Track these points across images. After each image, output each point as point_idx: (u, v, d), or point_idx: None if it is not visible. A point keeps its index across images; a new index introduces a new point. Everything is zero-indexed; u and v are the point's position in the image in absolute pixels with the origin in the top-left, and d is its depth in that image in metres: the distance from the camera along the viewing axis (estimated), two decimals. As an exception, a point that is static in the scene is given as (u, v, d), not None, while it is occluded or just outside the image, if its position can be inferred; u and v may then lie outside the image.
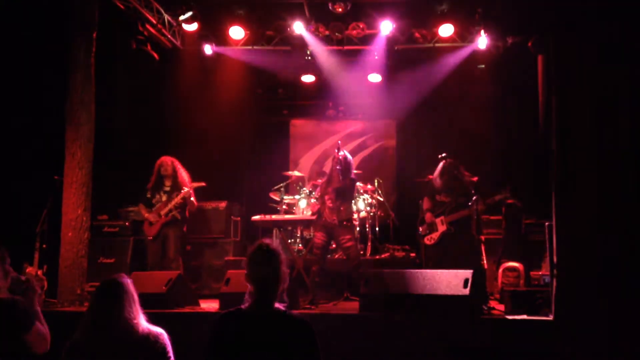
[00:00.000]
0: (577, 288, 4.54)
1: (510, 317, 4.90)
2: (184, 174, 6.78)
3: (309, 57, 8.85)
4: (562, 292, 4.60)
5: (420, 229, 6.20)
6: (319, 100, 10.06)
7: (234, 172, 9.74)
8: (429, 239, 6.08)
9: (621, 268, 4.47)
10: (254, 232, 7.98)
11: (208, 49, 8.82)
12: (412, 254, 7.67)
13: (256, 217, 6.72)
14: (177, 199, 6.58)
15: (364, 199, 8.02)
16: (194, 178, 6.83)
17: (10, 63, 7.07)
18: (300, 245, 7.86)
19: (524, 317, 4.84)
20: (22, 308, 3.15)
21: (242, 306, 2.75)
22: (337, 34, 8.39)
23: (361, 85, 9.47)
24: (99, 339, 2.74)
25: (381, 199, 8.43)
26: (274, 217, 6.89)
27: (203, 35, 8.67)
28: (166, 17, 8.14)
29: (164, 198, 6.70)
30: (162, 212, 6.61)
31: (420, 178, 7.60)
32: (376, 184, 8.43)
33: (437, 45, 8.60)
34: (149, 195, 6.76)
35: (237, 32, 8.54)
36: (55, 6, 6.81)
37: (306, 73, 9.29)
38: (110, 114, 7.61)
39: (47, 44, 7.06)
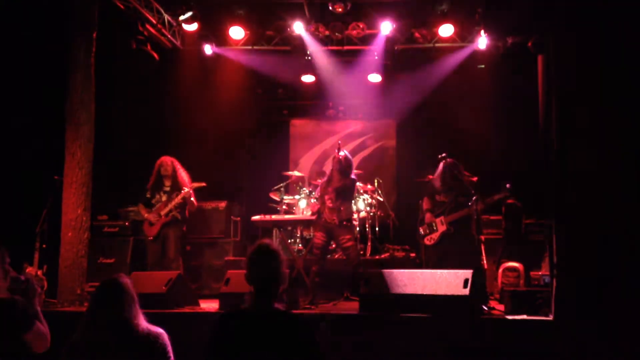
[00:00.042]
0: (577, 288, 4.54)
1: (510, 317, 4.90)
2: (183, 174, 6.78)
3: (309, 57, 8.85)
4: (562, 292, 4.60)
5: (420, 229, 6.19)
6: (319, 100, 10.06)
7: (234, 172, 9.74)
8: (429, 239, 6.07)
9: (621, 268, 4.47)
10: (254, 232, 7.97)
11: (208, 49, 8.83)
12: (412, 254, 7.67)
13: (256, 217, 6.72)
14: (177, 199, 6.57)
15: (364, 199, 8.02)
16: (194, 178, 6.83)
17: (10, 63, 7.07)
18: (300, 245, 7.86)
19: (524, 317, 4.84)
20: (21, 308, 3.15)
21: (242, 306, 2.75)
22: (337, 34, 8.40)
23: (361, 85, 9.47)
24: (99, 339, 2.74)
25: (381, 199, 8.43)
26: (274, 217, 6.89)
27: (203, 35, 8.67)
28: (166, 17, 8.14)
29: (164, 198, 6.70)
30: (162, 212, 6.60)
31: (420, 178, 7.59)
32: (376, 184, 8.44)
33: (437, 45, 8.60)
34: (148, 195, 6.76)
35: (237, 32, 8.54)
36: (55, 6, 6.81)
37: (306, 73, 9.30)
38: (110, 114, 7.62)
39: (47, 44, 7.07)
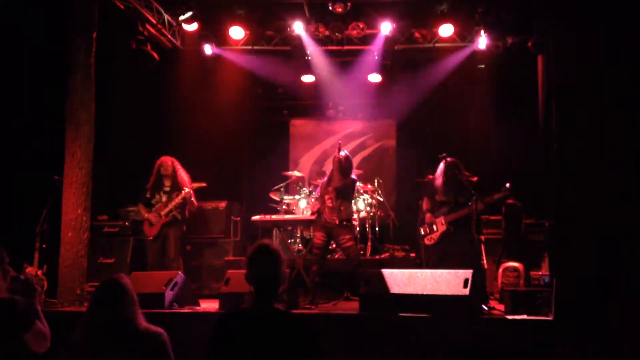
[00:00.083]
0: (577, 288, 4.54)
1: (510, 317, 4.90)
2: (183, 174, 6.77)
3: (309, 58, 8.85)
4: (562, 292, 4.60)
5: (421, 229, 6.19)
6: (319, 100, 10.05)
7: (234, 172, 9.75)
8: (429, 239, 6.07)
9: (621, 268, 4.47)
10: (254, 232, 7.97)
11: (208, 49, 8.83)
12: (412, 254, 7.67)
13: (256, 217, 6.72)
14: (177, 199, 6.57)
15: (364, 199, 8.02)
16: (194, 178, 6.82)
17: (10, 63, 7.07)
18: (300, 245, 7.87)
19: (524, 317, 4.84)
20: (21, 308, 3.15)
21: (242, 306, 2.75)
22: (337, 34, 8.40)
23: (361, 85, 9.47)
24: (98, 339, 2.74)
25: (381, 199, 8.43)
26: (274, 217, 6.89)
27: (203, 35, 8.67)
28: (166, 17, 8.14)
29: (164, 198, 6.70)
30: (163, 213, 6.60)
31: (420, 178, 7.60)
32: (376, 184, 8.43)
33: (437, 45, 8.60)
34: (148, 195, 6.76)
35: (237, 32, 8.54)
36: (55, 6, 6.81)
37: (306, 73, 9.30)
38: (110, 114, 7.62)
39: (47, 44, 7.06)
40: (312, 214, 6.50)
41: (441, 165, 6.03)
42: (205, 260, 7.65)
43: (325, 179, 6.35)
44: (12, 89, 7.12)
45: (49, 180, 6.40)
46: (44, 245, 6.21)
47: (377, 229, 8.18)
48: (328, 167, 8.20)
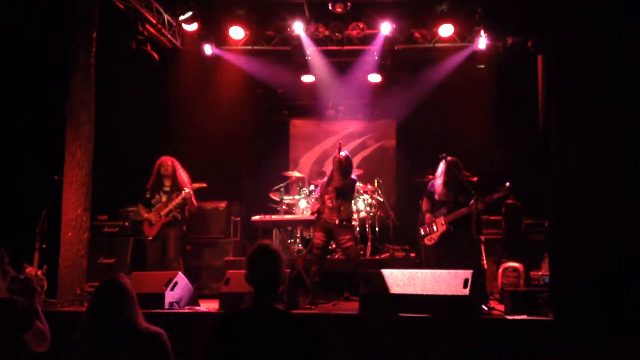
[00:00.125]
0: (577, 288, 4.54)
1: (510, 317, 4.90)
2: (183, 174, 6.77)
3: (309, 58, 8.86)
4: (562, 292, 4.60)
5: (420, 229, 6.19)
6: (319, 100, 10.06)
7: (234, 172, 9.75)
8: (429, 239, 6.07)
9: (621, 268, 4.47)
10: (254, 232, 7.98)
11: (208, 49, 8.83)
12: (412, 254, 7.67)
13: (256, 217, 6.72)
14: (177, 200, 6.57)
15: (363, 199, 8.02)
16: (194, 178, 6.82)
17: (10, 63, 7.07)
18: (300, 245, 7.87)
19: (524, 317, 4.84)
20: (21, 307, 3.16)
21: (242, 306, 2.75)
22: (337, 34, 8.40)
23: (361, 85, 9.47)
24: (98, 339, 2.74)
25: (381, 199, 8.43)
26: (274, 217, 6.89)
27: (203, 35, 8.67)
28: (166, 17, 8.14)
29: (164, 198, 6.70)
30: (163, 213, 6.60)
31: (420, 178, 7.60)
32: (376, 184, 8.43)
33: (437, 45, 8.60)
34: (148, 195, 6.76)
35: (237, 32, 8.54)
36: (55, 6, 6.81)
37: (306, 73, 9.30)
38: (110, 114, 7.62)
39: (47, 44, 7.06)
40: (312, 214, 6.50)
41: (441, 165, 6.03)
42: (205, 260, 7.65)
43: (326, 179, 6.35)
44: (12, 89, 7.13)
45: (49, 180, 6.40)
46: (44, 245, 6.21)
47: (377, 229, 8.18)
48: (328, 167, 8.19)
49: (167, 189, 6.72)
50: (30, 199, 6.80)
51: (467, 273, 4.86)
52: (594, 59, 4.73)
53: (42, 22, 7.08)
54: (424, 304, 4.83)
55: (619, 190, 4.58)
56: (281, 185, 8.23)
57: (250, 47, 8.84)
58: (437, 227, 6.02)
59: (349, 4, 7.84)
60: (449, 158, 5.94)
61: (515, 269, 6.57)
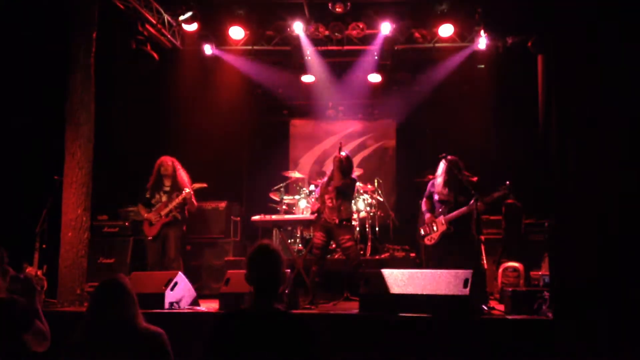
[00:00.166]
0: (577, 288, 4.53)
1: (510, 317, 4.90)
2: (183, 174, 6.77)
3: (309, 57, 8.86)
4: (562, 292, 4.60)
5: (421, 229, 6.19)
6: (319, 100, 10.06)
7: (234, 172, 9.75)
8: (429, 239, 6.07)
9: (621, 268, 4.47)
10: (254, 232, 7.98)
11: (208, 49, 8.83)
12: (412, 254, 7.67)
13: (256, 217, 6.72)
14: (178, 200, 6.57)
15: (363, 199, 8.02)
16: (194, 178, 6.82)
17: (10, 63, 7.07)
18: (300, 245, 7.86)
19: (524, 317, 4.84)
20: (21, 307, 3.16)
21: (242, 306, 2.75)
22: (337, 34, 8.40)
23: (361, 85, 9.47)
24: (98, 339, 2.74)
25: (381, 199, 8.43)
26: (274, 217, 6.89)
27: (203, 35, 8.67)
28: (166, 17, 8.14)
29: (164, 198, 6.69)
30: (163, 213, 6.60)
31: (420, 178, 7.60)
32: (376, 184, 8.43)
33: (437, 45, 8.60)
34: (148, 195, 6.76)
35: (237, 32, 8.54)
36: (55, 6, 6.81)
37: (306, 73, 9.30)
38: (110, 114, 7.62)
39: (47, 44, 7.06)
40: (312, 213, 6.50)
41: (442, 165, 6.03)
42: (205, 260, 7.65)
43: (326, 178, 6.35)
44: (12, 89, 7.12)
45: (49, 180, 6.40)
46: (44, 245, 6.21)
47: (377, 229, 8.18)
48: (328, 167, 8.20)
49: (167, 189, 6.72)
50: (30, 199, 6.80)
51: (467, 273, 4.85)
52: (594, 59, 4.72)
53: (42, 22, 7.08)
54: (424, 304, 4.83)
55: (619, 190, 4.58)
56: (281, 185, 8.23)
57: (250, 47, 8.84)
58: (437, 227, 6.02)
59: (349, 4, 7.84)
60: (449, 157, 5.93)
61: (515, 269, 6.57)
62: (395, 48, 8.67)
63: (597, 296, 4.45)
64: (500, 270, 6.61)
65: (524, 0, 6.13)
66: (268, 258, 2.77)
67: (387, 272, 5.17)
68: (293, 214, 7.83)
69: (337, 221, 6.04)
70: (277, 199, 8.23)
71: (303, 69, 9.19)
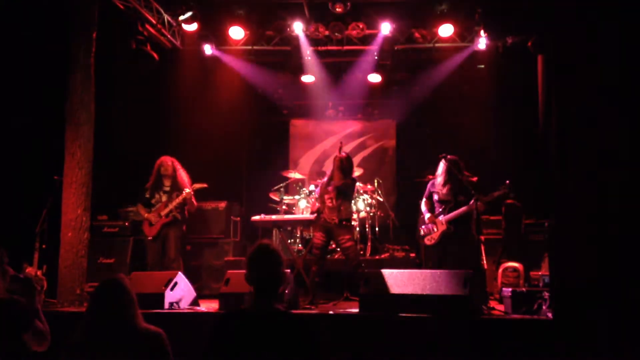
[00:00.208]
0: (577, 288, 4.53)
1: (510, 317, 4.90)
2: (183, 174, 6.77)
3: (309, 57, 8.86)
4: (562, 292, 4.60)
5: (421, 229, 6.19)
6: (318, 100, 10.06)
7: (234, 172, 9.75)
8: (429, 239, 6.07)
9: (621, 268, 4.46)
10: (254, 232, 7.98)
11: (208, 49, 8.83)
12: (412, 254, 7.67)
13: (256, 217, 6.72)
14: (178, 200, 6.57)
15: (363, 199, 8.02)
16: (194, 178, 6.82)
17: (10, 63, 7.07)
18: (300, 245, 7.86)
19: (524, 317, 4.84)
20: (21, 307, 3.16)
21: (242, 306, 2.75)
22: (337, 34, 8.40)
23: (361, 85, 9.47)
24: (98, 339, 2.74)
25: (381, 199, 8.43)
26: (273, 217, 6.89)
27: (203, 35, 8.68)
28: (166, 17, 8.15)
29: (164, 198, 6.69)
30: (163, 213, 6.60)
31: (420, 178, 7.59)
32: (376, 184, 8.43)
33: (436, 45, 8.61)
34: (147, 195, 6.76)
35: (237, 32, 8.55)
36: (55, 6, 6.81)
37: (306, 73, 9.30)
38: (110, 114, 7.62)
39: (47, 44, 7.06)
40: (312, 213, 6.50)
41: (441, 165, 6.03)
42: (205, 260, 7.65)
43: (326, 178, 6.35)
44: (12, 89, 7.13)
45: (49, 180, 6.40)
46: (43, 246, 6.21)
47: (377, 229, 8.18)
48: (328, 167, 8.20)
49: (167, 189, 6.72)
50: (30, 199, 6.80)
51: (467, 273, 4.86)
52: (594, 59, 4.72)
53: (42, 22, 7.08)
54: (424, 304, 4.83)
55: (619, 190, 4.57)
56: (281, 185, 8.23)
57: (250, 47, 8.84)
58: (437, 227, 6.02)
59: (348, 4, 7.84)
60: (449, 157, 5.94)
61: (515, 269, 6.57)
62: (395, 48, 8.67)
63: (597, 296, 4.45)
64: (500, 270, 6.62)
65: (524, 0, 6.13)
66: (268, 258, 2.77)
67: (387, 272, 5.17)
68: (293, 214, 7.82)
69: (336, 221, 6.04)
70: (277, 199, 8.23)
71: (303, 69, 9.19)
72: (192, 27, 8.11)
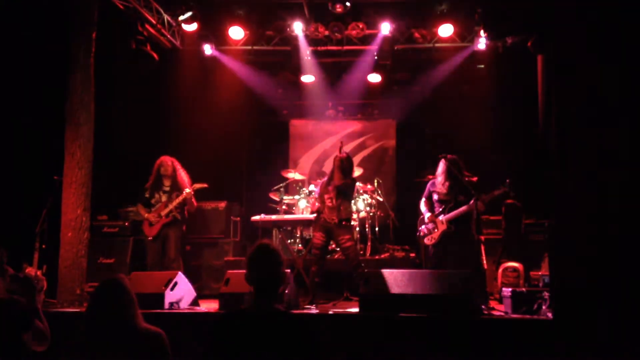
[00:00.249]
0: (577, 288, 4.53)
1: (510, 317, 4.90)
2: (183, 174, 6.77)
3: (309, 57, 8.86)
4: (562, 292, 4.60)
5: (420, 229, 6.19)
6: (318, 100, 10.06)
7: (234, 172, 9.75)
8: (430, 239, 6.07)
9: (621, 268, 4.46)
10: (254, 232, 7.97)
11: (208, 49, 8.83)
12: (412, 254, 7.67)
13: (256, 217, 6.72)
14: (178, 200, 6.57)
15: (363, 199, 8.02)
16: (194, 178, 6.82)
17: (11, 63, 7.07)
18: (300, 245, 7.86)
19: (524, 317, 4.84)
20: (21, 307, 3.16)
21: (242, 306, 2.75)
22: (336, 34, 8.40)
23: (361, 85, 9.48)
24: (98, 339, 2.74)
25: (381, 199, 8.43)
26: (273, 217, 6.89)
27: (203, 35, 8.68)
28: (166, 17, 8.15)
29: (164, 198, 6.69)
30: (163, 213, 6.60)
31: (420, 178, 7.60)
32: (376, 184, 8.43)
33: (436, 45, 8.61)
34: (147, 195, 6.76)
35: (237, 32, 8.55)
36: (55, 6, 6.81)
37: (306, 73, 9.31)
38: (110, 114, 7.62)
39: (47, 44, 7.06)
40: (312, 212, 6.50)
41: (441, 164, 6.03)
42: (205, 260, 7.65)
43: (326, 178, 6.35)
44: (12, 89, 7.12)
45: (49, 180, 6.40)
46: (43, 246, 6.20)
47: (377, 229, 8.18)
48: (328, 167, 8.19)
49: (167, 189, 6.72)
50: (30, 199, 6.80)
51: (467, 273, 4.86)
52: (594, 59, 4.72)
53: (42, 22, 7.08)
54: (424, 304, 4.83)
55: (619, 190, 4.57)
56: (281, 185, 8.23)
57: (249, 47, 8.85)
58: (438, 227, 6.02)
59: (348, 4, 7.84)
60: (448, 157, 5.94)
61: (515, 269, 6.57)
62: (395, 48, 8.67)
63: (597, 296, 4.45)
64: (500, 270, 6.62)
65: (524, 0, 6.13)
66: (268, 258, 2.77)
67: (387, 272, 5.17)
68: (293, 214, 7.82)
69: (336, 221, 6.04)
70: (277, 199, 8.23)
71: (303, 69, 9.19)
72: (192, 27, 8.11)
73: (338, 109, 10.28)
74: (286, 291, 5.29)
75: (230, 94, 9.29)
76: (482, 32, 8.08)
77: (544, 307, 4.83)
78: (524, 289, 5.24)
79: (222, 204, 7.94)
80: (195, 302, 5.75)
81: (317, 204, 6.38)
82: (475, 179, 6.06)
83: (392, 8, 8.19)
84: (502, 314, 5.07)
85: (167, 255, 6.57)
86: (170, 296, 5.42)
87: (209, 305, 5.82)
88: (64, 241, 6.20)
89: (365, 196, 8.09)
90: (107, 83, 7.06)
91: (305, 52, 8.78)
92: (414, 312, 4.81)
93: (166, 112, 8.82)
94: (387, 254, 7.85)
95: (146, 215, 6.64)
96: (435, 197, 6.11)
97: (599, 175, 4.59)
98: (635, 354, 4.25)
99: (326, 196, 6.13)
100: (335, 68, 9.35)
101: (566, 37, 4.83)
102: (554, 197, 4.80)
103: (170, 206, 6.58)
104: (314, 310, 5.55)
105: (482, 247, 6.12)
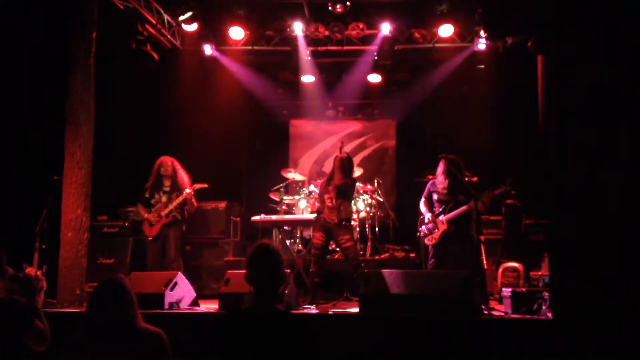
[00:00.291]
0: (577, 288, 4.53)
1: (510, 317, 4.90)
2: (183, 175, 6.77)
3: (309, 58, 8.87)
4: (562, 292, 4.60)
5: (421, 229, 6.19)
6: (318, 100, 10.06)
7: (234, 172, 9.75)
8: (430, 239, 6.07)
9: (621, 268, 4.46)
10: (254, 232, 7.97)
11: (208, 49, 8.83)
12: (412, 254, 7.67)
13: (256, 218, 6.72)
14: (178, 200, 6.57)
15: (363, 199, 8.02)
16: (194, 178, 6.82)
17: (11, 63, 7.07)
18: (300, 245, 7.86)
19: (524, 317, 4.84)
20: (20, 307, 3.16)
21: (242, 306, 2.75)
22: (337, 34, 8.40)
23: (361, 85, 9.48)
24: (98, 339, 2.74)
25: (381, 199, 8.43)
26: (273, 217, 6.89)
27: (203, 36, 8.68)
28: (166, 17, 8.15)
29: (164, 198, 6.69)
30: (163, 213, 6.60)
31: (420, 178, 7.60)
32: (376, 184, 8.43)
33: (436, 45, 8.61)
34: (147, 195, 6.76)
35: (236, 32, 8.55)
36: (55, 6, 6.81)
37: (306, 73, 9.31)
38: (110, 114, 7.62)
39: (47, 44, 7.07)
40: (311, 212, 6.50)
41: (441, 164, 6.03)
42: (205, 260, 7.65)
43: (326, 178, 6.35)
44: (12, 89, 7.13)
45: (49, 180, 6.40)
46: (43, 246, 6.20)
47: (377, 229, 8.18)
48: (328, 167, 8.20)
49: (167, 189, 6.72)
50: (30, 199, 6.80)
51: (467, 273, 4.86)
52: (594, 59, 4.72)
53: (42, 22, 7.08)
54: (423, 304, 4.83)
55: (619, 190, 4.57)
56: (281, 185, 8.23)
57: (250, 47, 8.85)
58: (438, 227, 6.02)
59: (348, 4, 7.84)
60: (448, 157, 5.94)
61: (515, 269, 6.57)
62: (395, 48, 8.67)
63: (597, 296, 4.45)
64: (500, 270, 6.62)
65: (524, 0, 6.13)
66: (268, 258, 2.77)
67: (387, 272, 5.17)
68: (293, 214, 7.83)
69: (336, 221, 6.03)
70: (277, 199, 8.23)
71: (303, 69, 9.18)
72: (192, 27, 8.12)
73: (338, 109, 10.29)
74: (286, 291, 5.29)
75: (231, 94, 9.29)
76: (482, 32, 8.08)
77: (544, 307, 4.83)
78: (524, 289, 5.24)
79: (222, 204, 7.94)
80: (195, 302, 5.75)
81: (317, 204, 6.38)
82: (475, 179, 6.06)
83: (392, 8, 8.19)
84: (502, 314, 5.07)
85: (167, 256, 6.57)
86: (170, 296, 5.41)
87: (209, 305, 5.82)
88: (64, 241, 6.20)
89: (365, 196, 8.09)
90: (107, 83, 7.06)
91: (305, 52, 8.78)
92: (414, 312, 4.81)
93: (166, 112, 8.83)
94: (387, 254, 7.85)
95: (146, 215, 6.64)
96: (435, 197, 6.11)
97: (599, 175, 4.59)
98: (635, 354, 4.25)
99: (326, 196, 6.12)
100: (335, 68, 9.35)
101: (566, 37, 4.83)
102: (554, 197, 4.79)
103: (170, 206, 6.58)
104: (314, 310, 5.55)
105: (482, 247, 6.13)
